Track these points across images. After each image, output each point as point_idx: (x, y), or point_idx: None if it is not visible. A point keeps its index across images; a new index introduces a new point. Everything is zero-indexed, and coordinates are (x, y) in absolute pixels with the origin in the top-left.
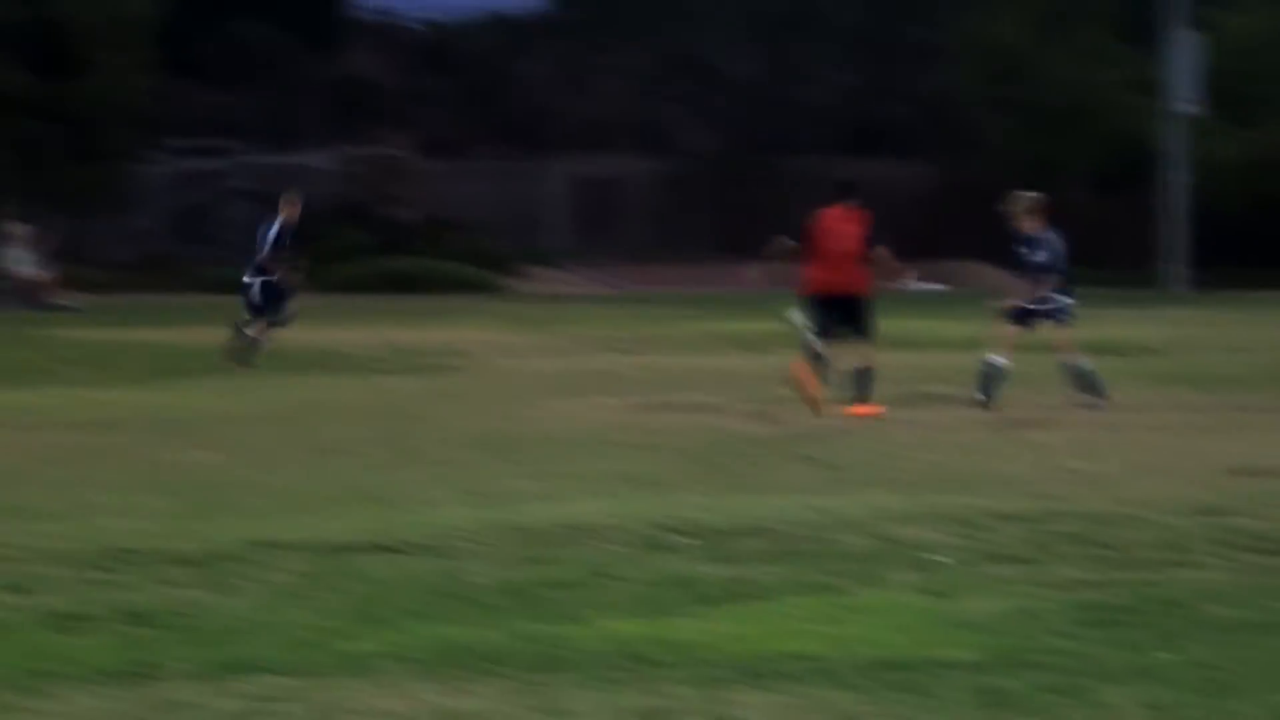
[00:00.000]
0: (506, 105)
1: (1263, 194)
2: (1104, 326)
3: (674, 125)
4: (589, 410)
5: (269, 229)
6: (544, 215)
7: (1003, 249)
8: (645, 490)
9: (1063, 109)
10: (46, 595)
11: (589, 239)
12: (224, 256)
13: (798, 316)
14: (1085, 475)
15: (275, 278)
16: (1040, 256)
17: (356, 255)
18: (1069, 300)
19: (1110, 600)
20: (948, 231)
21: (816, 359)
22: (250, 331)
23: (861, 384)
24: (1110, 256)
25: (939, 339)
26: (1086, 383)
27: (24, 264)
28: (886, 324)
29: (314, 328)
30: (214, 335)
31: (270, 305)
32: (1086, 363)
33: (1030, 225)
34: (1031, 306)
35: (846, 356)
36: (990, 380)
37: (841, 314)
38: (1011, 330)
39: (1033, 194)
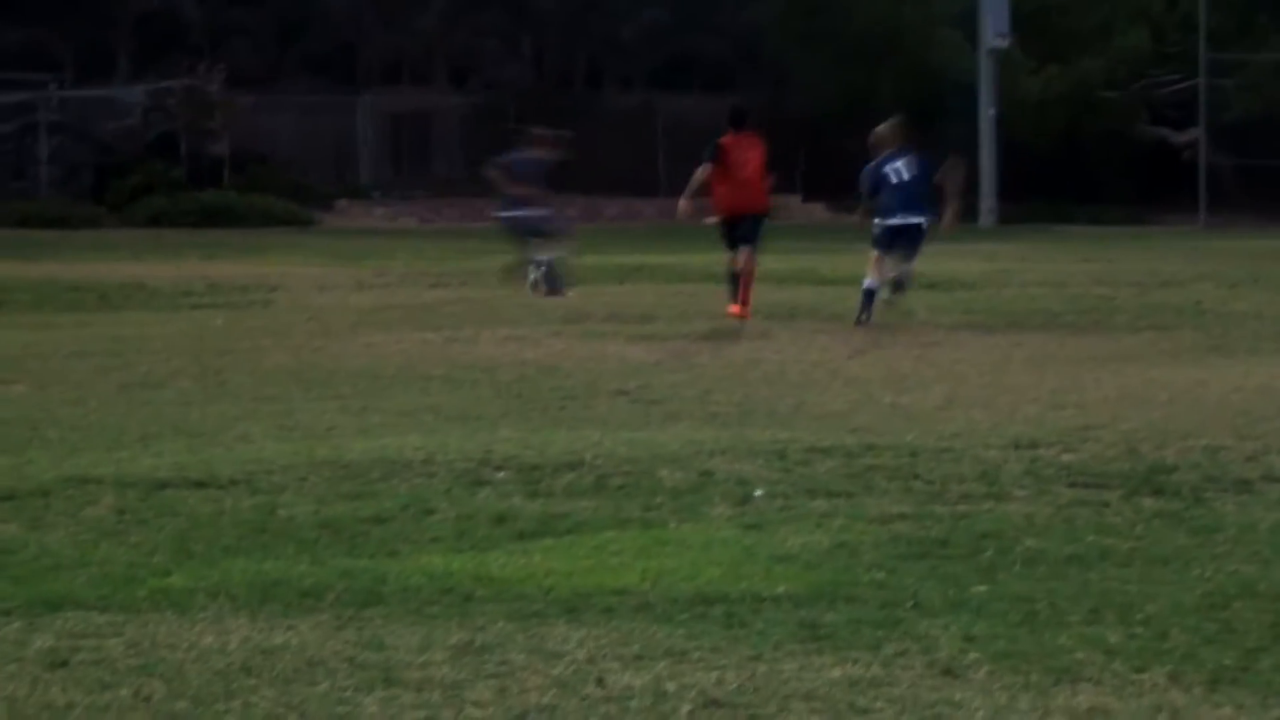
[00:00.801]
0: (316, 38)
1: (1069, 129)
2: (918, 260)
3: (484, 58)
4: (403, 344)
5: (527, 162)
6: (355, 149)
7: (817, 183)
8: (460, 425)
9: (874, 43)
10: None
11: (401, 173)
12: (31, 190)
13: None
14: (901, 409)
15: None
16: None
17: (166, 189)
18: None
19: (926, 534)
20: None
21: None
22: (541, 256)
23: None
24: None
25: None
26: None
27: None
28: (694, 259)
29: (123, 261)
30: (24, 270)
31: (534, 232)
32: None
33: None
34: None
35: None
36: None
37: (744, 229)
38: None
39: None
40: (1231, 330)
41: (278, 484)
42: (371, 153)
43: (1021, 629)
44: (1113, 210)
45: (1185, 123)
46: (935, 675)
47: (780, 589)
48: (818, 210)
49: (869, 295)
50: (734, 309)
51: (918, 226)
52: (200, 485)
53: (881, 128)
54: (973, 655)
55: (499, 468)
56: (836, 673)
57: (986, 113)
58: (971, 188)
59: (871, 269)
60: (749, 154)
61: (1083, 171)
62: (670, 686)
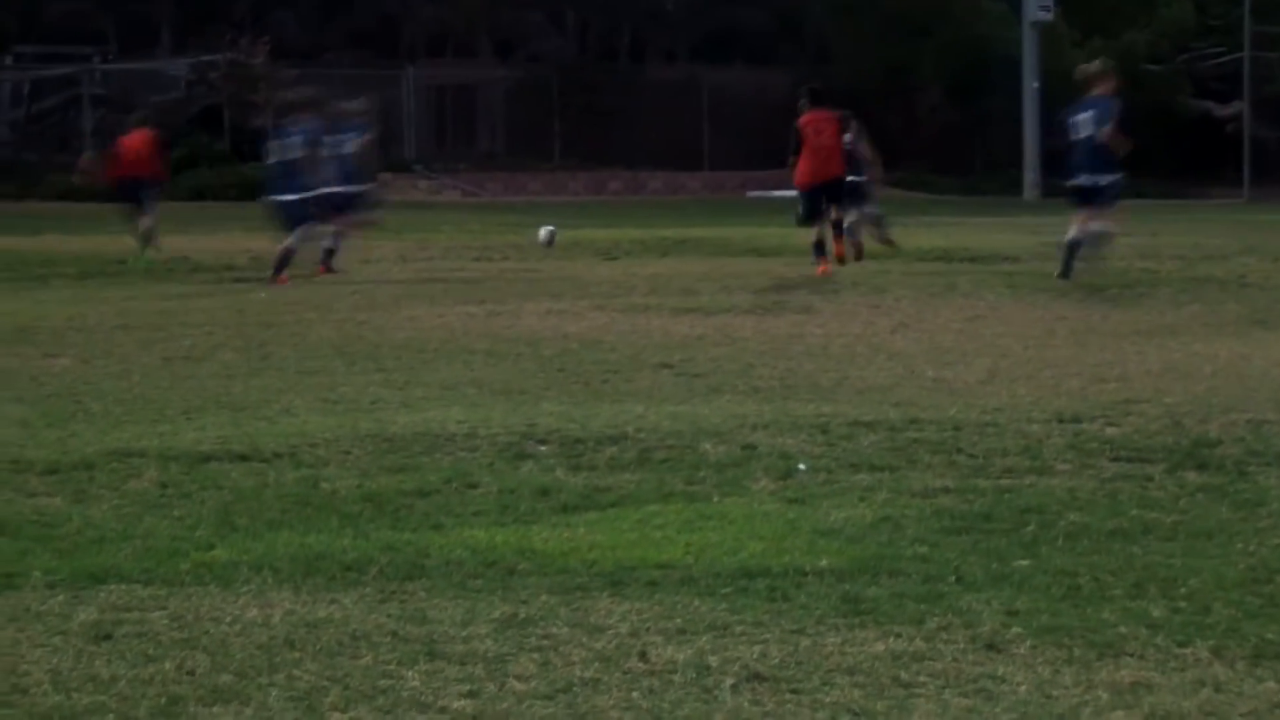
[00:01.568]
0: (360, 11)
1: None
2: (961, 234)
3: (528, 31)
4: (446, 318)
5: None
6: (399, 122)
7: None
8: (503, 398)
9: (916, 15)
10: None
11: (444, 146)
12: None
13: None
14: (944, 383)
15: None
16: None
17: (209, 162)
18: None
19: (969, 508)
20: None
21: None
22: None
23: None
24: (963, 164)
25: (790, 246)
26: None
27: None
28: (738, 232)
29: (167, 235)
30: (63, 243)
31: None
32: None
33: None
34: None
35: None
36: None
37: (828, 196)
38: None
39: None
40: (1276, 304)
41: (321, 457)
42: (415, 126)
43: (1064, 603)
44: (1156, 183)
45: (1229, 96)
46: (978, 650)
47: (823, 563)
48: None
49: (1072, 248)
50: (823, 268)
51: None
52: (244, 458)
53: (1089, 65)
54: (1015, 630)
55: (542, 441)
56: (879, 647)
57: (1030, 86)
58: (1015, 161)
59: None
60: (824, 126)
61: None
62: (713, 660)
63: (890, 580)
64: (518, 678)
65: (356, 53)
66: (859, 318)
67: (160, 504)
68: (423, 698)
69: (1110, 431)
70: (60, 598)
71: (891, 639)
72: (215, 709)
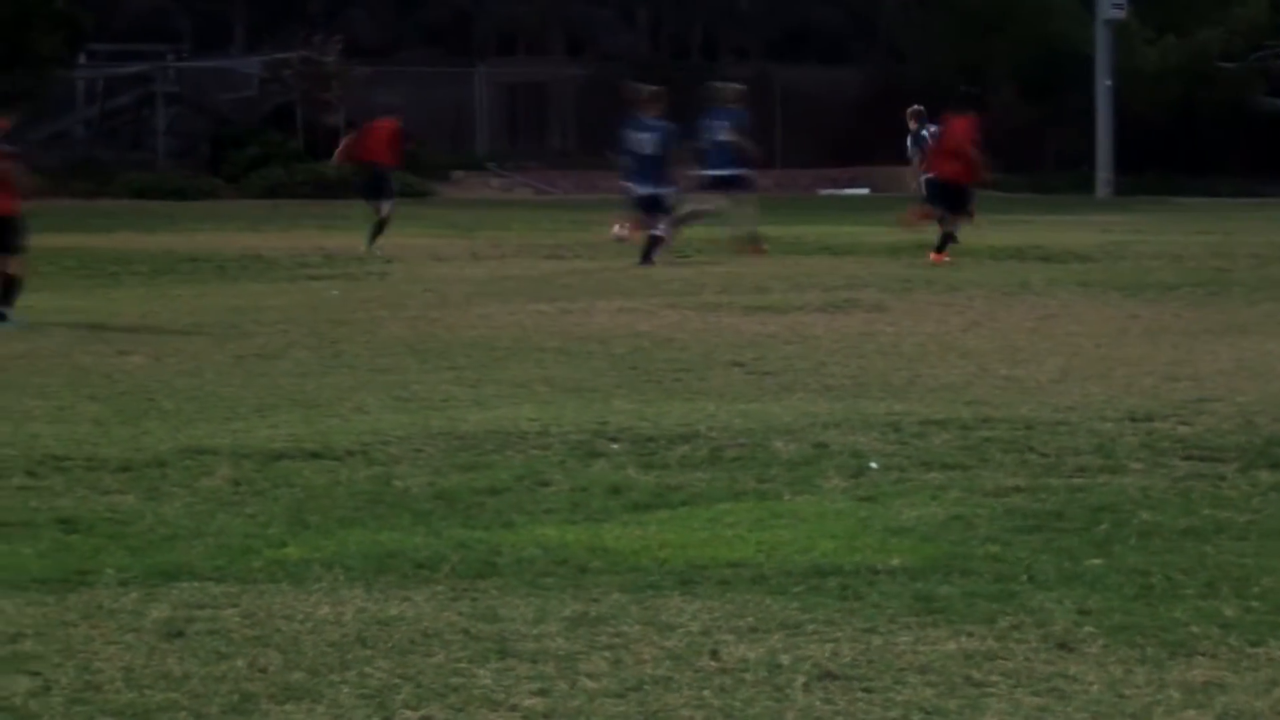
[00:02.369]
0: (432, 8)
1: (1185, 101)
2: (1033, 232)
3: (601, 29)
4: (518, 316)
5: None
6: (471, 120)
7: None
8: (575, 396)
9: (991, 13)
10: None
11: (516, 144)
12: (148, 161)
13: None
14: (1016, 381)
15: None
16: None
17: (282, 160)
18: None
19: (1042, 506)
20: (874, 136)
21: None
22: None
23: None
24: (1037, 162)
25: (862, 244)
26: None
27: None
28: (810, 230)
29: (240, 233)
30: (137, 240)
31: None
32: None
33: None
34: None
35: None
36: None
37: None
38: None
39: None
40: None
41: (393, 455)
42: (487, 124)
43: (1137, 602)
44: (1228, 182)
45: None
46: (1050, 649)
47: (895, 561)
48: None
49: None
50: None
51: None
52: (316, 456)
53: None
54: (1087, 629)
55: (613, 439)
56: (951, 646)
57: (1103, 84)
58: (1088, 159)
59: None
60: (965, 131)
61: (1198, 143)
62: (785, 659)
63: (962, 579)
64: (589, 676)
65: (429, 50)
66: (931, 316)
67: (233, 501)
68: (494, 696)
69: (1183, 430)
70: (133, 595)
71: (963, 638)
72: (287, 706)
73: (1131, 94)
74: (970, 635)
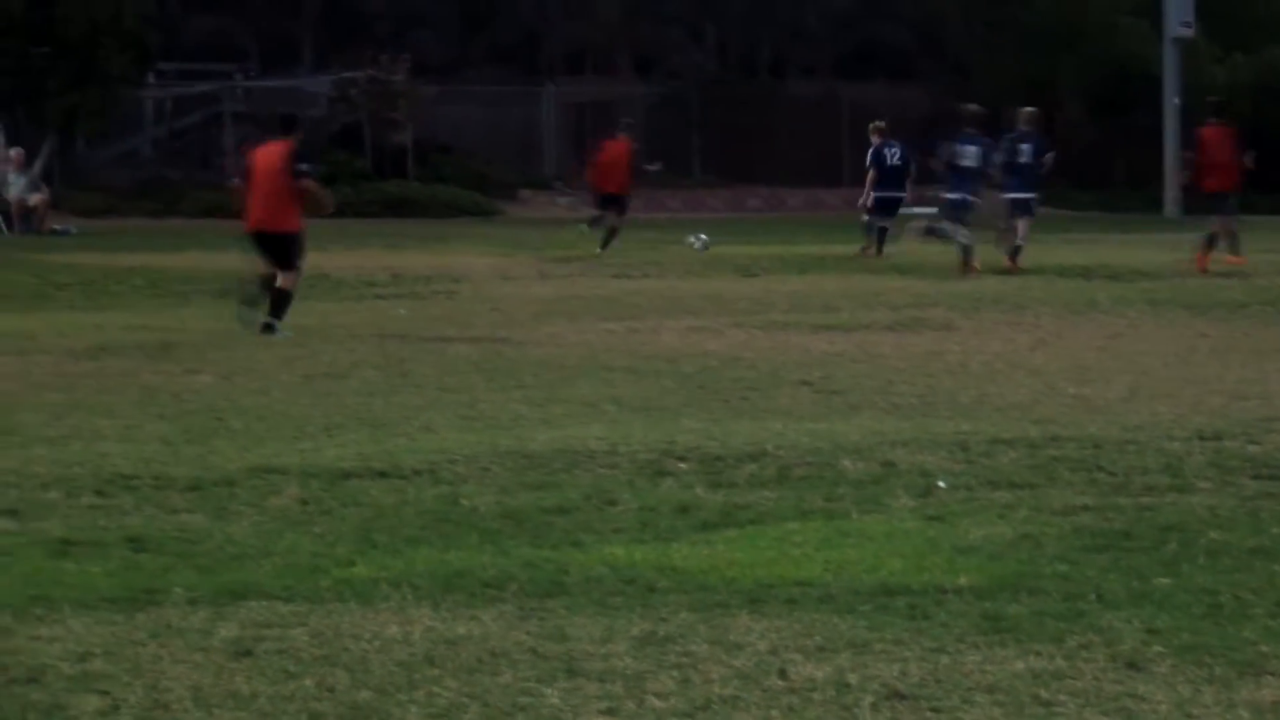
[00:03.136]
0: (500, 28)
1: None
2: (1100, 250)
3: (669, 47)
4: (585, 335)
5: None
6: (539, 139)
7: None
8: (642, 415)
9: (1058, 31)
10: (47, 521)
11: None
12: (217, 180)
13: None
14: (1083, 400)
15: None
16: None
17: (350, 179)
18: None
19: (1110, 526)
20: None
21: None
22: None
23: None
24: (1105, 180)
25: (931, 263)
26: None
27: (15, 188)
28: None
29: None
30: (206, 260)
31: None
32: None
33: None
34: None
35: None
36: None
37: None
38: None
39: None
40: None
41: (461, 474)
42: (555, 143)
43: (1205, 622)
44: None
45: None
46: (1119, 668)
47: (963, 580)
48: (996, 202)
49: None
50: (1234, 259)
51: None
52: (384, 475)
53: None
54: (1156, 648)
55: (681, 458)
56: (1019, 665)
57: (1171, 102)
58: (1156, 177)
59: None
60: (1209, 136)
61: (1268, 161)
62: (853, 678)
63: (1030, 598)
64: (657, 695)
65: (496, 69)
66: (999, 335)
67: (301, 521)
68: (562, 715)
69: (1252, 449)
70: (201, 614)
71: (1032, 657)
72: None
73: (1200, 112)
74: (1038, 655)
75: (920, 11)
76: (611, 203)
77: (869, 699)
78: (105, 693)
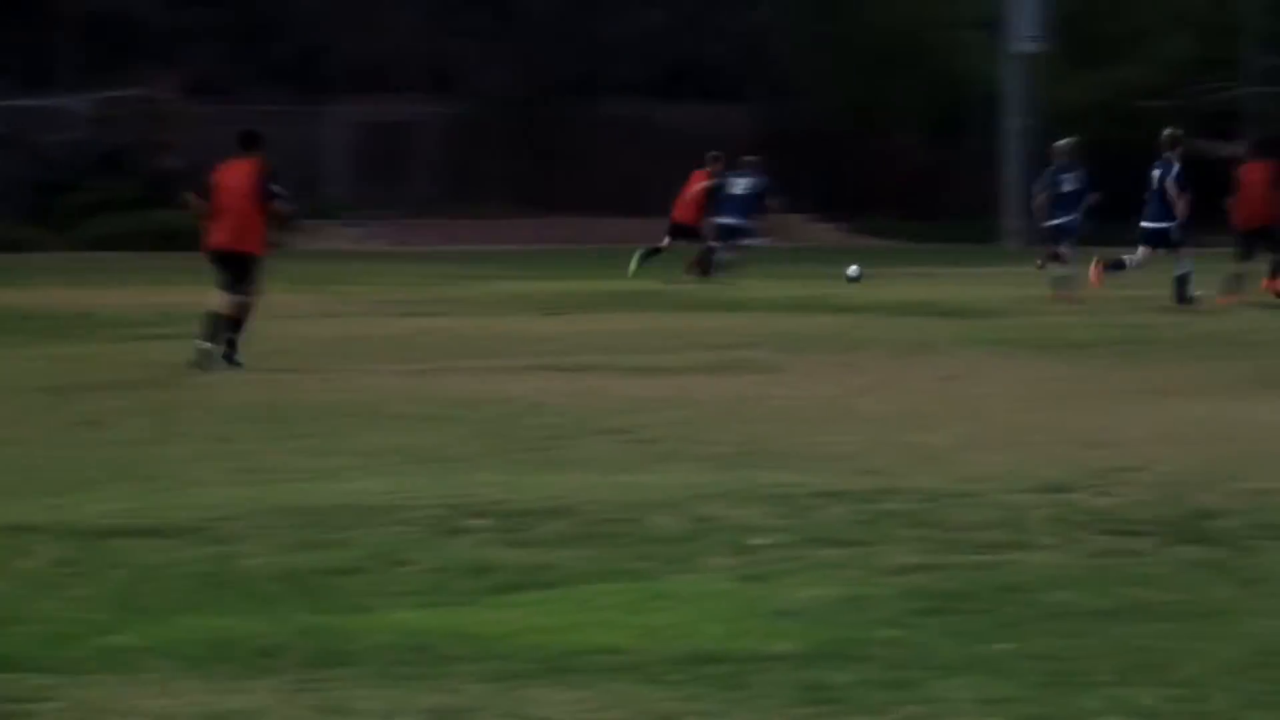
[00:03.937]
0: (281, 43)
1: (1108, 141)
2: (940, 286)
3: (466, 64)
4: (374, 377)
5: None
6: (324, 164)
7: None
8: (433, 466)
9: (889, 48)
10: None
11: (373, 190)
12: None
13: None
14: (918, 449)
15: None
16: None
17: (117, 208)
18: None
19: (944, 586)
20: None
21: None
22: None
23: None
24: (942, 208)
25: (759, 300)
26: None
27: None
28: (705, 287)
29: (69, 288)
30: None
31: None
32: None
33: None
34: None
35: None
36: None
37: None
38: None
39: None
40: None
41: (234, 532)
42: (342, 167)
43: (1046, 690)
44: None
45: (1234, 134)
46: None
47: (783, 647)
48: (824, 231)
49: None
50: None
51: None
52: (148, 534)
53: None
54: None
55: (477, 514)
56: None
57: (1011, 122)
58: (994, 206)
59: None
60: (1252, 175)
61: (1124, 187)
62: None
63: (856, 666)
64: None
65: (277, 88)
66: (827, 377)
67: (55, 584)
68: None
69: (1100, 502)
70: None
71: None
72: None
73: (1048, 133)
74: None
75: (741, 27)
76: (685, 234)
77: None
78: None
